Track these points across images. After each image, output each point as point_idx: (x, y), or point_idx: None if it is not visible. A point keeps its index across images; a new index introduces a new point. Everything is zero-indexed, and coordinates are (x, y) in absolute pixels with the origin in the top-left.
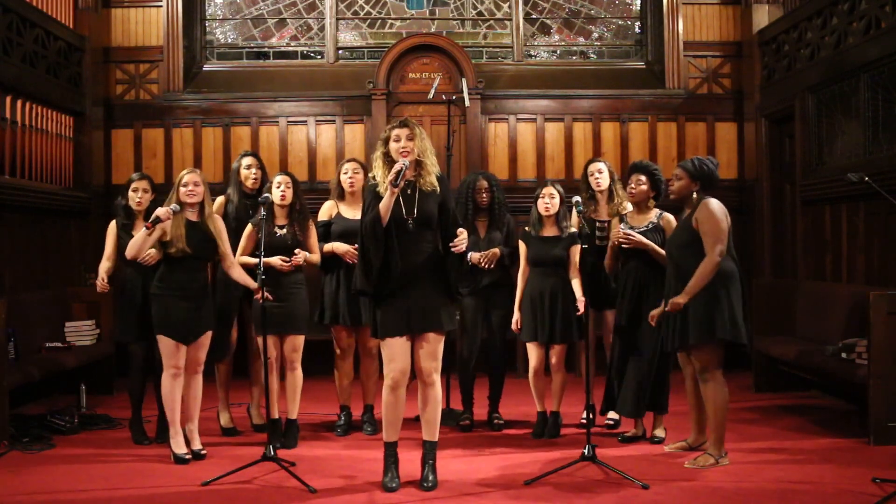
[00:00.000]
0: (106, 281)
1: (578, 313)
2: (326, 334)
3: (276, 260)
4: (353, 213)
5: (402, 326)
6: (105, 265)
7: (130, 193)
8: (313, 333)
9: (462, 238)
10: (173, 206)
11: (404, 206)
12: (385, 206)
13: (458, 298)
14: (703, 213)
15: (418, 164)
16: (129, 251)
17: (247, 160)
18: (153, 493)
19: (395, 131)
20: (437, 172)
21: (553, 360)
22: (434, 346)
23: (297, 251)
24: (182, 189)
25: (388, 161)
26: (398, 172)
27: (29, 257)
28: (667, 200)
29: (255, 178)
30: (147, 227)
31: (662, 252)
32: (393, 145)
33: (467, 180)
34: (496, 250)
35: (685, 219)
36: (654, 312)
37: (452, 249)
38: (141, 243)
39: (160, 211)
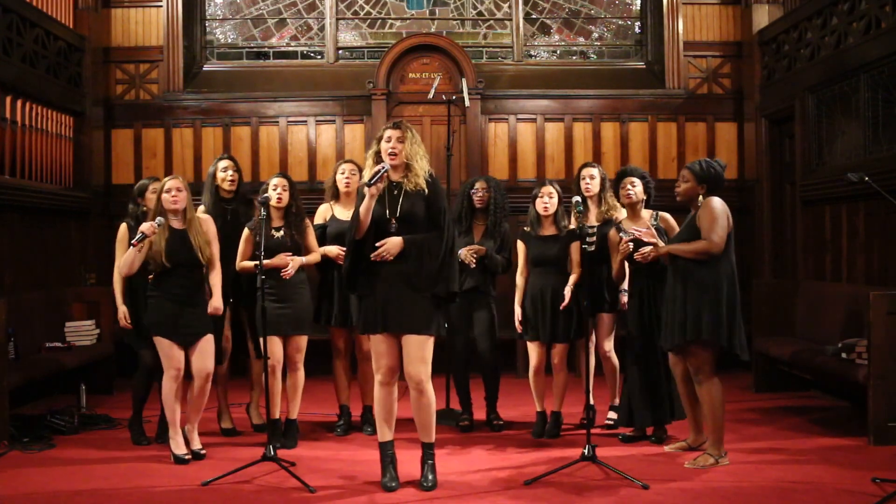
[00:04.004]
0: (128, 320)
1: (562, 305)
2: (326, 334)
3: (277, 259)
4: (347, 214)
5: (379, 324)
6: (118, 280)
7: (165, 195)
8: (313, 333)
9: (383, 248)
10: (158, 219)
11: (388, 207)
12: (364, 207)
13: (443, 298)
14: (704, 210)
15: (407, 167)
16: (122, 269)
17: (223, 163)
18: (153, 493)
19: (388, 132)
20: (427, 175)
21: (555, 359)
22: (419, 351)
23: (286, 256)
24: (165, 195)
25: (378, 161)
26: (375, 173)
27: (29, 257)
28: (664, 202)
29: (232, 181)
30: (133, 245)
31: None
32: (383, 145)
33: (468, 182)
34: (482, 247)
35: (690, 219)
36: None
37: (371, 256)
38: (131, 260)
39: (145, 227)
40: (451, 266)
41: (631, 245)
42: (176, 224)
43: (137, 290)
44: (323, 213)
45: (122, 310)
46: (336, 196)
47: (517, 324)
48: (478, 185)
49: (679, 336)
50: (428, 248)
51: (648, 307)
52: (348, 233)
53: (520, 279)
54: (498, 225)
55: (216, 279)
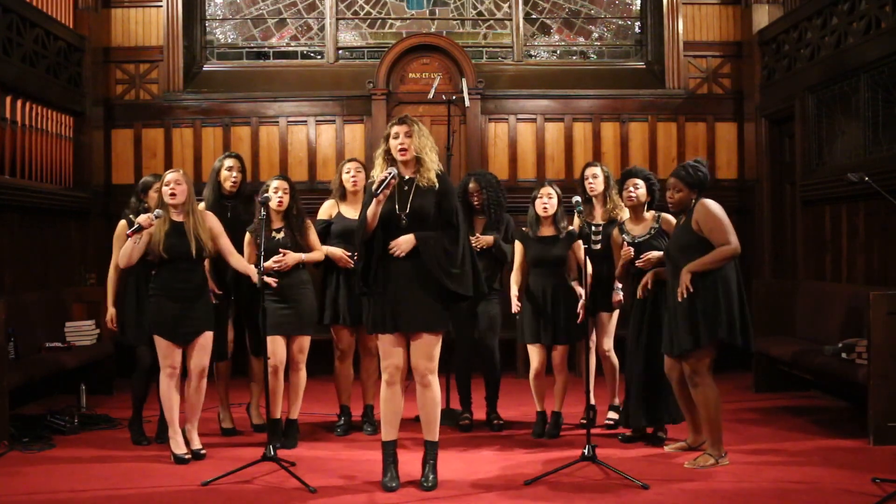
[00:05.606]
0: (115, 323)
1: (578, 320)
2: (327, 334)
3: (269, 263)
4: (353, 212)
5: (390, 323)
6: (112, 279)
7: (164, 188)
8: (315, 333)
9: (395, 247)
10: (156, 212)
11: (398, 203)
12: (371, 213)
13: (481, 295)
14: (702, 214)
15: (417, 161)
16: (121, 261)
17: (228, 161)
18: (153, 493)
19: (394, 129)
20: (438, 170)
21: (556, 360)
22: (428, 347)
23: (281, 251)
24: (164, 189)
25: (389, 159)
26: (382, 181)
27: (29, 257)
28: (662, 207)
29: (235, 181)
30: (129, 236)
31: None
32: (392, 143)
33: (460, 185)
34: (489, 238)
35: (684, 222)
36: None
37: (389, 250)
38: (130, 252)
39: (141, 218)
40: (471, 270)
41: (632, 251)
42: (176, 217)
43: (139, 288)
44: (328, 209)
45: (111, 312)
46: (343, 195)
47: (514, 306)
48: (471, 188)
49: (690, 340)
50: (442, 246)
51: (651, 309)
52: (356, 236)
53: (514, 280)
54: (497, 218)
55: (237, 260)
